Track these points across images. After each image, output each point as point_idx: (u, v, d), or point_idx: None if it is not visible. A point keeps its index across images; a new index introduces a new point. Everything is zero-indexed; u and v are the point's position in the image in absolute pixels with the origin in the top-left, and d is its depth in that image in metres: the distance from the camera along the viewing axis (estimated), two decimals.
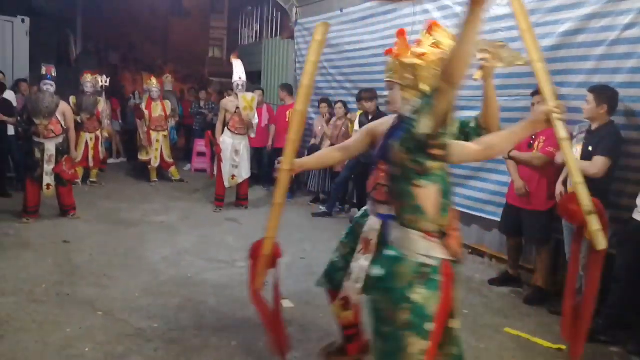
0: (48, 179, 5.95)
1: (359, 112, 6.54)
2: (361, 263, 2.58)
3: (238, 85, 6.77)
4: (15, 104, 7.45)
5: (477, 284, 4.73)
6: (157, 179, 8.79)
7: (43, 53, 11.34)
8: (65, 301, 3.82)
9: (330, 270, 2.86)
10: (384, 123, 2.66)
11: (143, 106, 8.63)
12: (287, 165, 2.54)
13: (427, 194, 1.99)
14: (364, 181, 6.64)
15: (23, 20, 8.42)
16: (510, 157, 4.41)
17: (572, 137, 3.90)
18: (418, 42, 2.26)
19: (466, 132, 2.52)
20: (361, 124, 6.28)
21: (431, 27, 2.22)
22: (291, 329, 3.56)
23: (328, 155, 3.09)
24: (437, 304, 1.97)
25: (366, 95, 6.21)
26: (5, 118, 6.99)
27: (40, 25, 10.05)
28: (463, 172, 5.44)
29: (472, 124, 2.54)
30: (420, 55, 2.21)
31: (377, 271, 2.11)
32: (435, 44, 2.20)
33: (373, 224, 2.60)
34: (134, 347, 3.19)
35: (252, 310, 3.80)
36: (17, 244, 5.12)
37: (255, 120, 7.04)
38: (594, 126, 3.82)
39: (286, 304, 3.99)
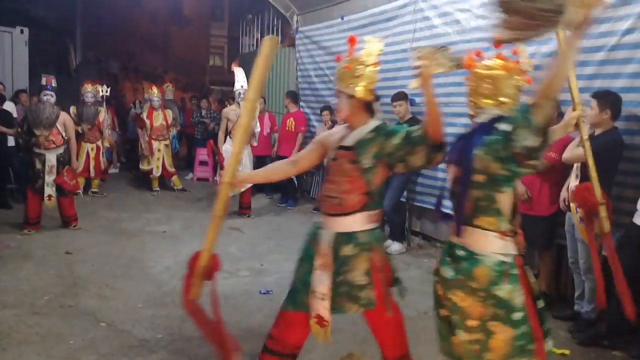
0: (49, 190, 5.95)
1: None
2: (322, 279, 2.55)
3: (240, 93, 6.78)
4: (15, 114, 7.46)
5: None
6: (159, 189, 8.79)
7: (42, 63, 11.39)
8: (68, 313, 3.81)
9: (293, 292, 2.78)
10: (334, 134, 2.70)
11: (144, 115, 8.65)
12: (228, 178, 2.53)
13: (506, 197, 2.19)
14: None
15: (22, 31, 8.43)
16: None
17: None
18: (478, 54, 2.37)
19: (412, 141, 2.47)
20: None
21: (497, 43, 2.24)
22: None
23: (278, 168, 3.05)
24: (522, 294, 2.16)
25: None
26: (4, 129, 7.00)
27: (40, 36, 10.08)
28: None
29: (417, 133, 2.48)
30: (501, 67, 2.28)
31: (453, 273, 2.25)
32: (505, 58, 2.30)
33: (327, 238, 2.58)
34: (138, 358, 3.18)
35: (257, 319, 3.81)
36: (18, 256, 5.12)
37: (257, 129, 7.04)
38: (598, 132, 3.80)
39: None
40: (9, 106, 7.45)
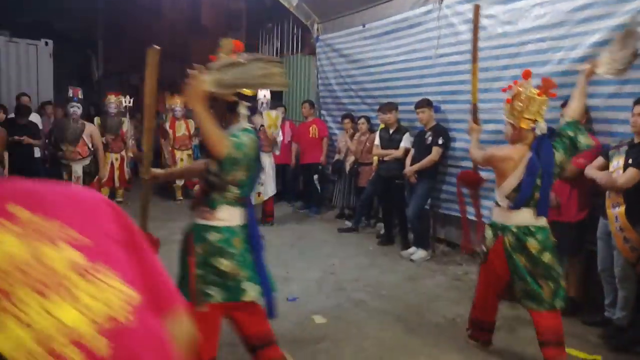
0: None
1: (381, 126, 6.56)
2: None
3: (262, 103, 6.82)
4: (40, 126, 7.58)
5: None
6: (182, 197, 8.86)
7: (66, 75, 11.62)
8: None
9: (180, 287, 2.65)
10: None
11: (167, 126, 8.74)
12: (145, 174, 2.94)
13: None
14: (388, 196, 6.61)
15: (46, 43, 8.60)
16: None
17: (609, 149, 3.85)
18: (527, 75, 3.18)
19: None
20: (381, 139, 6.28)
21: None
22: (324, 345, 3.56)
23: (195, 165, 3.38)
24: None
25: (385, 107, 6.23)
26: (31, 140, 7.14)
27: (63, 48, 10.26)
28: (493, 185, 5.39)
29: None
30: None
31: (536, 240, 3.14)
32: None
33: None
34: None
35: (285, 326, 3.82)
36: None
37: (279, 138, 7.08)
38: (637, 139, 3.68)
39: (318, 319, 3.99)
40: (34, 118, 7.57)
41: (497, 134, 5.29)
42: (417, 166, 5.73)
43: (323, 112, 8.74)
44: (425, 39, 6.22)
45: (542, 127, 3.10)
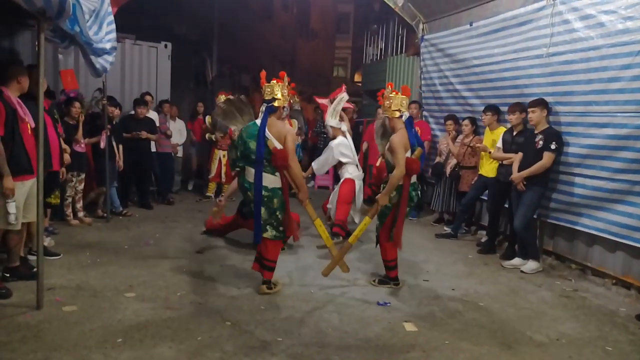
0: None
1: (500, 128, 6.24)
2: None
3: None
4: (157, 123, 8.12)
5: (622, 319, 4.24)
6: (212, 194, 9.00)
7: (183, 76, 12.34)
8: (197, 310, 4.02)
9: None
10: None
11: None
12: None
13: None
14: (501, 202, 6.31)
15: (166, 46, 9.15)
16: None
17: None
18: None
19: None
20: (504, 142, 5.92)
21: None
22: (414, 354, 3.43)
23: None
24: None
25: (509, 108, 5.83)
26: (150, 135, 7.66)
27: (181, 50, 10.88)
28: (608, 195, 4.94)
29: None
30: None
31: None
32: None
33: None
34: (259, 359, 3.26)
35: (374, 331, 3.75)
36: (156, 253, 5.53)
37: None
38: None
39: (409, 327, 3.86)
40: (152, 115, 8.12)
41: (616, 140, 4.84)
42: (526, 172, 5.33)
43: (425, 113, 8.52)
44: (536, 36, 5.83)
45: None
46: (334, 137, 6.23)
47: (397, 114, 4.51)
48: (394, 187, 4.42)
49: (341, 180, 6.20)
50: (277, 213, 4.28)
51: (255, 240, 4.36)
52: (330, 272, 4.62)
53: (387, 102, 4.55)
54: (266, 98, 4.31)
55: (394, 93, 4.54)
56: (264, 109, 4.31)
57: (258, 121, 4.28)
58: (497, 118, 6.32)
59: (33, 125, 4.11)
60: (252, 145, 4.22)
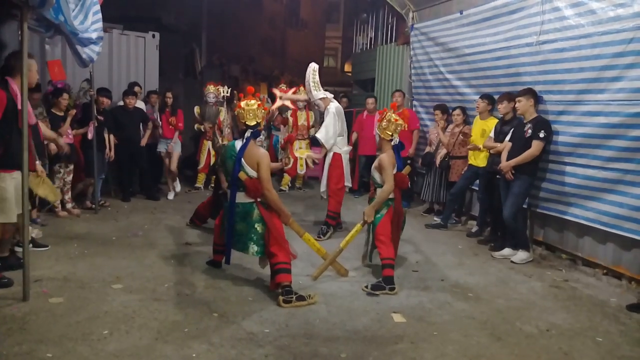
0: None
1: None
2: None
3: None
4: None
5: (613, 310, 4.23)
6: (287, 187, 9.04)
7: (171, 66, 12.20)
8: (185, 301, 3.97)
9: None
10: None
11: (288, 113, 8.86)
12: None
13: None
14: (492, 193, 6.26)
15: (154, 36, 9.02)
16: None
17: None
18: None
19: None
20: (495, 131, 5.90)
21: None
22: (402, 345, 3.40)
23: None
24: None
25: (499, 97, 5.88)
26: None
27: (169, 41, 10.75)
28: (599, 184, 4.93)
29: None
30: None
31: None
32: None
33: None
34: (246, 351, 3.22)
35: (362, 322, 3.72)
36: (145, 244, 5.47)
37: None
38: None
39: (397, 318, 3.84)
40: (140, 105, 7.99)
41: (607, 128, 4.82)
42: (514, 161, 5.30)
43: (415, 102, 8.48)
44: (526, 24, 5.79)
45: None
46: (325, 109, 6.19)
47: (389, 137, 4.70)
48: (383, 201, 4.61)
49: (329, 157, 6.15)
50: (256, 225, 4.21)
51: (226, 262, 4.51)
52: (320, 275, 4.62)
53: (385, 123, 4.71)
54: (250, 124, 4.26)
55: (394, 120, 4.68)
56: (249, 134, 4.24)
57: (238, 143, 4.26)
58: (490, 108, 6.29)
59: (33, 121, 4.09)
60: (230, 166, 4.27)
